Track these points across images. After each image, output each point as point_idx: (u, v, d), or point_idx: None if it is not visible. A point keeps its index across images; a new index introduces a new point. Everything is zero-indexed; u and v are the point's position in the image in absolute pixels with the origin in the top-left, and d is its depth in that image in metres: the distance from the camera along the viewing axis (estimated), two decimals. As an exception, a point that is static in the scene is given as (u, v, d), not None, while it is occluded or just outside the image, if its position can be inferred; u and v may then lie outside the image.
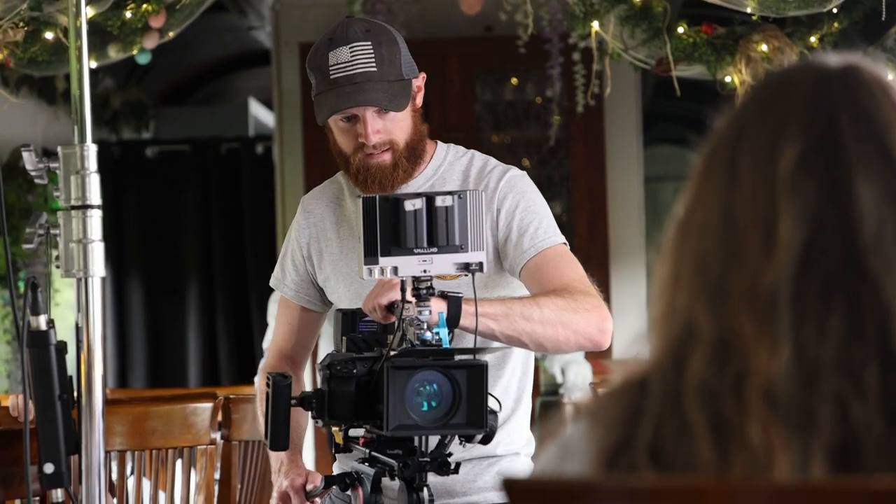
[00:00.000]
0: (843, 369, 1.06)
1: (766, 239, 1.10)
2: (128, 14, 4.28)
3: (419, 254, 2.39)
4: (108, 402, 2.21)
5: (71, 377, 2.16)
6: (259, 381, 3.00)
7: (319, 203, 2.99)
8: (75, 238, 2.13)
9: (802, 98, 1.15)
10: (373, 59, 2.77)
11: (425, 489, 2.44)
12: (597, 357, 6.31)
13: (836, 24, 4.54)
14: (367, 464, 2.53)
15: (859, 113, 1.13)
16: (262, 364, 3.09)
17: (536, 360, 5.29)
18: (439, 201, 2.40)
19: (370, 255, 2.39)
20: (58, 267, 2.17)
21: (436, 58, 6.89)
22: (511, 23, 6.10)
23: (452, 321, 2.47)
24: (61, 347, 2.16)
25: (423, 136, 2.90)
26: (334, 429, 2.57)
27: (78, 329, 2.15)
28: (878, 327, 1.07)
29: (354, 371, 2.45)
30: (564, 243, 2.86)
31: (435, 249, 2.40)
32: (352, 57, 2.77)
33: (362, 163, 2.82)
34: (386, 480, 2.49)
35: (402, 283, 2.41)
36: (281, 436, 2.50)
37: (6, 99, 4.44)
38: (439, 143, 2.96)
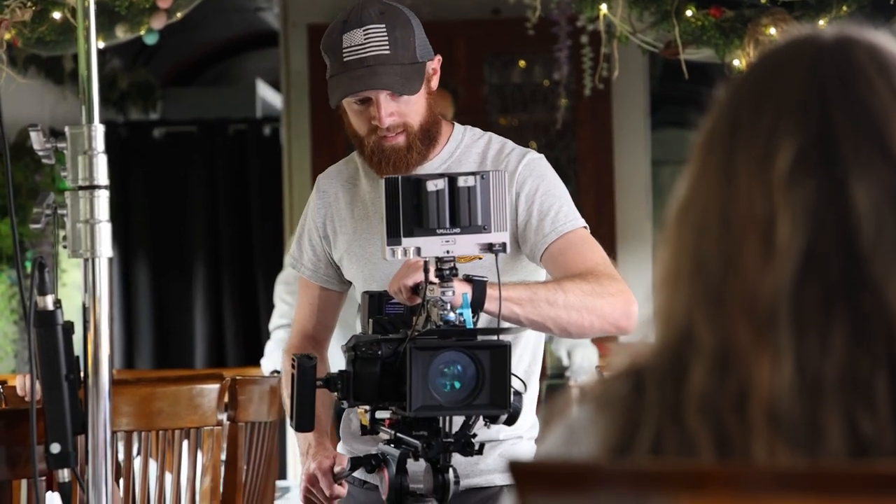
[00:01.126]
0: (848, 382, 1.02)
1: (764, 244, 1.05)
2: (136, -6, 4.28)
3: (442, 234, 2.40)
4: (114, 383, 2.21)
5: (77, 357, 2.16)
6: (284, 361, 3.00)
7: (334, 183, 3.00)
8: (82, 218, 2.13)
9: (796, 88, 1.09)
10: (386, 42, 2.77)
11: (450, 470, 2.44)
12: (603, 340, 6.32)
13: (844, 8, 4.53)
14: (392, 445, 2.53)
15: (853, 103, 1.08)
16: (286, 344, 3.10)
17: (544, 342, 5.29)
18: (461, 181, 2.40)
19: (393, 236, 2.40)
20: (65, 247, 2.17)
21: (443, 40, 6.85)
22: (519, 5, 6.09)
23: (477, 305, 2.47)
24: (68, 328, 2.16)
25: (438, 119, 2.90)
26: (360, 410, 2.58)
27: (85, 309, 2.15)
28: (884, 335, 1.03)
29: (379, 353, 2.46)
30: (585, 227, 2.86)
31: (458, 230, 2.40)
32: (365, 40, 2.77)
33: (376, 145, 2.82)
34: (411, 462, 2.49)
35: (426, 263, 2.41)
36: (306, 417, 2.51)
37: (14, 79, 4.44)
38: (456, 124, 2.97)
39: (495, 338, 2.40)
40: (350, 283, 3.01)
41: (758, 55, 1.18)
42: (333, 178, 3.01)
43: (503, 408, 2.37)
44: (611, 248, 6.89)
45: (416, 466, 2.49)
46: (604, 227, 6.89)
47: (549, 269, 2.80)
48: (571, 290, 2.66)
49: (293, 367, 2.49)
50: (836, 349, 1.02)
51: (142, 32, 4.60)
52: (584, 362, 4.99)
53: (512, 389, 2.38)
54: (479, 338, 2.39)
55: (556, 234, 2.79)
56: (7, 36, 4.23)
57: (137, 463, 3.30)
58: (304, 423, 2.51)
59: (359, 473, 2.81)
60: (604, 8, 4.52)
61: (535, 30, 6.09)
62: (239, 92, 9.34)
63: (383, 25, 2.78)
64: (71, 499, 2.18)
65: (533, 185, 2.86)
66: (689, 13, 4.54)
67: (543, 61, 6.97)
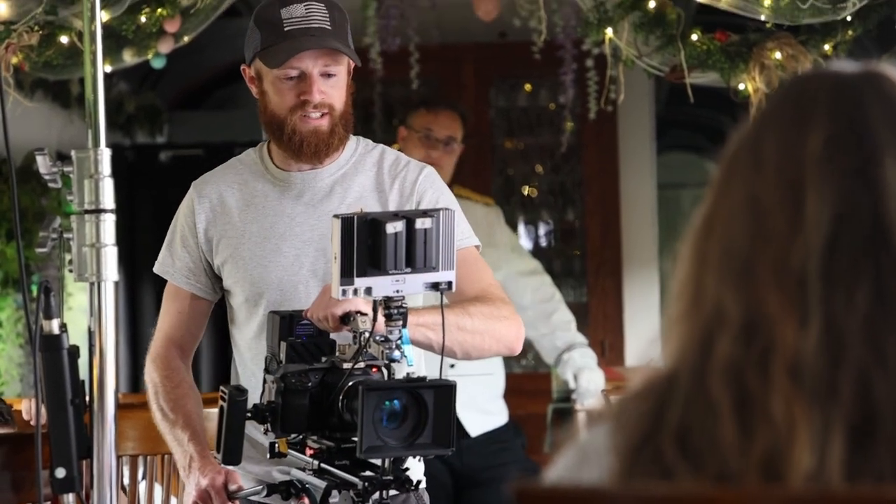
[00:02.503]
0: (868, 340, 1.07)
1: (793, 217, 1.12)
2: (143, 18, 4.29)
3: (394, 274, 2.40)
4: (120, 407, 2.21)
5: (83, 381, 2.16)
6: (150, 370, 2.96)
7: (216, 187, 3.00)
8: (88, 242, 2.13)
9: (828, 91, 1.17)
10: (327, 19, 2.84)
11: (370, 501, 2.45)
12: (609, 364, 6.31)
13: (850, 32, 4.53)
14: (310, 473, 2.53)
15: (885, 104, 1.15)
16: (151, 353, 3.04)
17: (548, 366, 5.27)
18: (419, 224, 2.41)
19: (346, 276, 2.39)
20: (71, 271, 2.17)
21: (450, 63, 6.89)
22: (525, 29, 6.10)
23: (403, 320, 2.49)
24: (74, 352, 2.16)
25: (352, 112, 2.94)
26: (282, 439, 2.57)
27: (90, 333, 2.15)
28: None
29: (309, 384, 2.46)
30: (478, 246, 2.94)
31: (409, 270, 2.41)
32: (307, 12, 2.83)
33: (298, 126, 2.85)
34: (335, 493, 2.49)
35: (375, 302, 2.42)
36: (236, 450, 2.50)
37: (21, 102, 4.45)
38: (350, 135, 3.00)
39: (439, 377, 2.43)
40: (221, 293, 3.01)
41: (782, 82, 1.26)
42: (214, 183, 3.02)
43: (446, 446, 2.38)
44: (616, 272, 6.90)
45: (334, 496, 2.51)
46: (610, 251, 6.89)
47: None
48: (476, 315, 2.75)
49: (223, 399, 2.49)
50: (860, 307, 1.08)
51: (149, 56, 4.61)
52: (590, 385, 4.98)
53: (455, 429, 2.40)
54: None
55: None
56: (14, 60, 4.24)
57: (143, 487, 3.29)
58: (233, 455, 2.50)
59: (271, 500, 2.78)
60: (609, 32, 4.52)
61: (541, 53, 6.11)
62: (245, 115, 9.33)
63: (322, 4, 2.84)
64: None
65: (433, 196, 2.92)
66: (694, 37, 4.54)
67: (549, 85, 6.98)
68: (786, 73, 4.50)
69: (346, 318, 2.49)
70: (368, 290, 2.39)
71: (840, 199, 1.11)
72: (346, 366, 2.46)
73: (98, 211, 2.14)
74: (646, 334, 6.95)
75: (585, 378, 4.97)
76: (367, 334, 2.42)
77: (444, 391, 2.36)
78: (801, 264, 1.10)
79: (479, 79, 6.95)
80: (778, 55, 4.52)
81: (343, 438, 2.47)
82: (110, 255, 2.14)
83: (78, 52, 4.25)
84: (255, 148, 3.06)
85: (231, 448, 2.48)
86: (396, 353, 2.41)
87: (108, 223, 2.15)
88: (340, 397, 2.44)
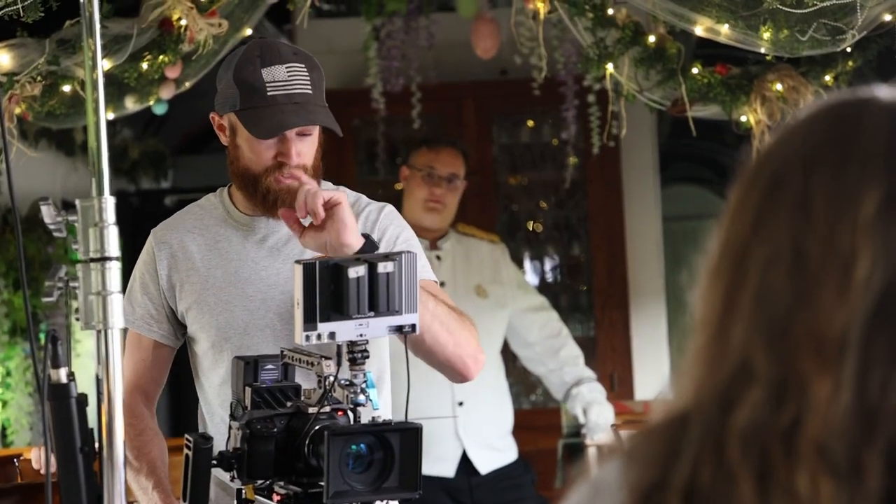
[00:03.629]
0: None
1: (840, 282, 1.06)
2: (144, 66, 4.30)
3: (357, 318, 2.39)
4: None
5: (92, 430, 2.16)
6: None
7: (175, 233, 3.01)
8: (94, 290, 2.13)
9: (879, 136, 1.11)
10: (308, 82, 2.85)
11: None
12: (619, 397, 6.29)
13: (850, 63, 4.54)
14: None
15: None
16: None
17: (558, 402, 5.25)
18: (381, 268, 2.40)
19: (309, 322, 2.38)
20: (78, 319, 2.17)
21: (451, 102, 6.90)
22: (526, 66, 6.12)
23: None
24: (82, 400, 2.16)
25: (321, 166, 2.97)
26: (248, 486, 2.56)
27: (98, 381, 2.15)
28: None
29: (274, 430, 2.45)
30: (436, 282, 2.97)
31: (372, 314, 2.40)
32: (289, 76, 2.83)
33: (273, 186, 2.86)
34: None
35: (339, 347, 2.42)
36: (202, 498, 2.49)
37: (25, 152, 4.46)
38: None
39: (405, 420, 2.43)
40: (182, 340, 3.01)
41: (820, 107, 1.17)
42: (175, 229, 3.03)
43: (413, 490, 2.38)
44: (623, 306, 6.90)
45: None
46: (616, 284, 6.89)
47: None
48: (440, 305, 2.77)
49: (188, 447, 2.48)
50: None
51: (151, 103, 4.63)
52: (599, 420, 4.97)
53: (421, 472, 2.39)
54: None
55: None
56: (17, 111, 4.25)
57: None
58: (199, 503, 2.49)
59: None
60: (610, 67, 4.53)
61: (542, 90, 6.12)
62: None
63: (302, 65, 2.85)
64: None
65: (394, 232, 2.95)
66: (695, 71, 4.55)
67: (551, 121, 7.00)
68: (787, 104, 4.50)
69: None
70: (332, 335, 2.39)
71: (890, 271, 1.06)
72: (312, 410, 2.45)
73: (103, 259, 2.14)
74: (655, 366, 6.94)
75: (595, 412, 4.96)
76: (332, 378, 2.42)
77: (410, 434, 2.36)
78: (843, 333, 1.05)
79: (480, 116, 6.96)
80: (779, 87, 4.53)
81: (310, 483, 2.45)
82: (116, 303, 2.14)
83: (80, 101, 4.26)
84: (214, 193, 3.06)
85: (197, 496, 2.47)
86: (361, 397, 2.41)
87: (114, 271, 2.15)
88: (306, 442, 2.43)
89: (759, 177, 1.14)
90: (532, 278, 6.99)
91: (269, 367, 2.57)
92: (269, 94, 2.81)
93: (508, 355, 5.17)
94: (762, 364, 1.07)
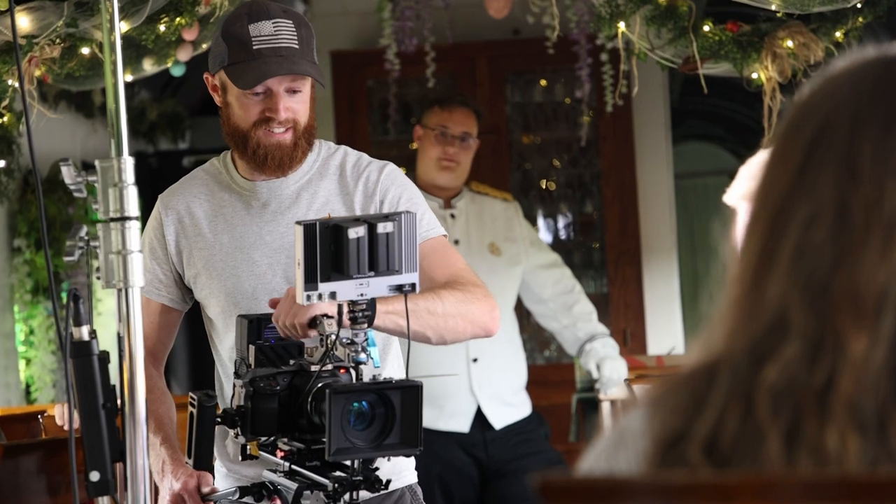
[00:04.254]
0: None
1: (884, 241, 1.05)
2: (161, 28, 4.30)
3: (357, 278, 2.39)
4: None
5: (114, 386, 2.17)
6: None
7: (183, 198, 3.00)
8: (115, 250, 2.14)
9: None
10: (295, 37, 2.84)
11: (342, 500, 2.45)
12: (632, 352, 6.30)
13: (860, 19, 4.52)
14: (281, 475, 2.53)
15: None
16: None
17: (571, 357, 5.26)
18: (380, 228, 2.40)
19: (310, 282, 2.38)
20: (99, 278, 2.18)
21: (465, 61, 6.88)
22: (538, 25, 6.10)
23: (368, 322, 2.49)
24: (104, 357, 2.17)
25: (314, 126, 2.94)
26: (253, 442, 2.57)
27: (119, 339, 2.16)
28: None
29: (277, 388, 2.46)
30: (445, 235, 2.93)
31: (372, 273, 2.40)
32: (276, 30, 2.82)
33: (262, 140, 2.85)
34: (307, 494, 2.50)
35: (340, 306, 2.42)
36: (206, 456, 2.50)
37: (45, 114, 4.47)
38: (312, 145, 3.00)
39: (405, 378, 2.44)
40: (191, 303, 3.02)
41: (863, 61, 1.14)
42: (182, 194, 3.01)
43: (414, 447, 2.38)
44: (636, 261, 6.89)
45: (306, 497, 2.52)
46: (629, 240, 6.89)
47: None
48: (447, 299, 2.74)
49: (192, 405, 2.49)
50: None
51: (168, 64, 4.63)
52: (612, 374, 4.98)
53: (422, 429, 2.39)
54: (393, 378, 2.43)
55: (421, 239, 2.82)
56: (37, 73, 4.26)
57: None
58: (203, 461, 2.50)
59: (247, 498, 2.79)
60: (622, 26, 4.52)
61: (555, 49, 6.10)
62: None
63: (290, 21, 2.84)
64: (111, 525, 2.19)
65: (396, 192, 2.91)
66: (706, 28, 4.53)
67: (564, 79, 6.97)
68: (798, 61, 4.49)
69: (314, 323, 2.49)
70: (333, 295, 2.39)
71: None
72: (314, 368, 2.45)
73: (123, 219, 2.14)
74: (667, 322, 6.95)
75: (608, 367, 4.97)
76: (333, 337, 2.42)
77: (411, 392, 2.36)
78: (883, 289, 1.04)
79: (493, 76, 6.94)
80: (790, 44, 4.50)
81: (313, 440, 2.46)
82: (136, 262, 2.15)
83: (99, 63, 4.26)
84: (217, 158, 3.05)
85: (201, 453, 2.48)
86: (362, 356, 2.41)
87: (133, 230, 2.15)
88: (309, 400, 2.43)
89: (801, 130, 1.12)
90: (545, 236, 6.99)
91: (273, 325, 2.57)
92: (254, 48, 2.81)
93: (522, 311, 5.18)
94: (799, 319, 1.06)
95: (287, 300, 2.53)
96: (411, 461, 3.00)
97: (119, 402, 2.16)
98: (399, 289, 2.43)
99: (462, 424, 4.74)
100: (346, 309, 2.41)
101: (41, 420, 3.95)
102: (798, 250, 1.08)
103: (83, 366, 2.15)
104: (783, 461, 1.02)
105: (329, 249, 2.38)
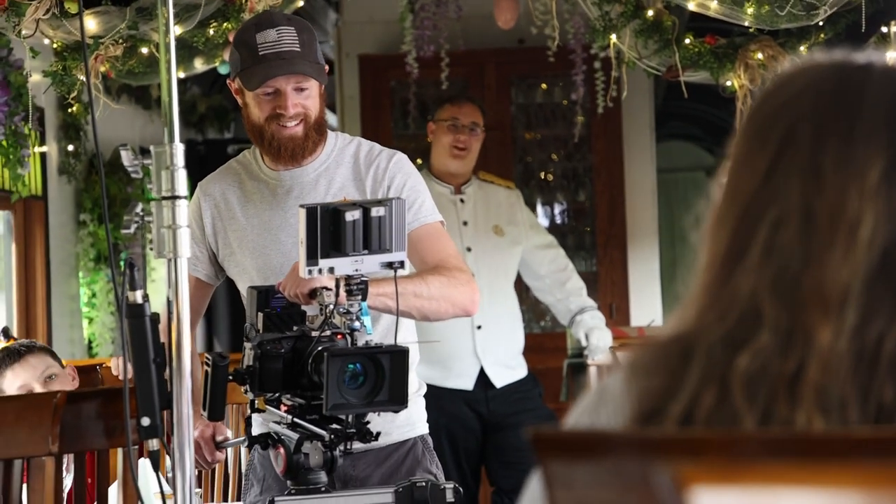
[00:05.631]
0: (890, 367, 1.01)
1: (847, 241, 1.03)
2: (211, 31, 4.29)
3: (353, 255, 2.39)
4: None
5: (163, 344, 2.17)
6: None
7: (219, 185, 2.99)
8: (166, 224, 2.14)
9: (881, 107, 1.07)
10: (297, 41, 2.82)
11: (337, 449, 2.45)
12: (616, 324, 6.29)
13: (822, 35, 4.50)
14: (284, 426, 2.53)
15: None
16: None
17: (564, 327, 5.24)
18: (374, 212, 2.40)
19: (311, 258, 2.39)
20: (151, 249, 2.17)
21: (475, 66, 6.87)
22: (541, 36, 6.07)
23: (362, 295, 2.48)
24: (155, 318, 2.17)
25: (325, 117, 2.92)
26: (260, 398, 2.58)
27: (169, 302, 2.16)
28: None
29: (282, 350, 2.47)
30: (442, 222, 2.91)
31: (366, 251, 2.40)
32: (279, 37, 2.81)
33: (276, 133, 2.84)
34: (307, 443, 2.50)
35: (337, 280, 2.42)
36: (219, 408, 2.51)
37: (108, 105, 4.46)
38: (329, 132, 2.98)
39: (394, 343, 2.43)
40: (221, 280, 3.02)
41: (822, 68, 1.12)
42: (217, 182, 3.01)
43: (401, 403, 2.38)
44: (622, 245, 6.88)
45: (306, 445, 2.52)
46: (616, 227, 6.87)
47: (409, 253, 2.85)
48: (433, 283, 2.74)
49: (207, 364, 2.49)
50: (891, 338, 1.02)
51: (216, 64, 4.62)
52: (599, 342, 4.97)
53: (408, 389, 2.39)
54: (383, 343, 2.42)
55: (418, 223, 2.84)
56: (102, 69, 4.25)
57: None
58: (217, 413, 2.51)
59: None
60: (613, 37, 4.50)
61: (555, 57, 6.08)
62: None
63: (292, 28, 2.82)
64: (160, 464, 2.19)
65: (401, 180, 2.90)
66: (687, 41, 4.52)
67: (562, 84, 6.96)
68: (767, 71, 4.47)
69: (314, 294, 2.49)
70: (331, 270, 2.40)
71: (891, 232, 1.03)
72: (315, 334, 2.46)
73: (174, 197, 2.14)
74: (648, 298, 6.94)
75: (596, 336, 4.96)
76: (331, 307, 2.43)
77: (399, 356, 2.36)
78: (846, 286, 1.02)
79: (500, 79, 6.93)
80: (760, 56, 4.49)
81: (313, 397, 2.46)
82: (184, 235, 2.15)
83: (156, 61, 4.25)
84: (249, 150, 3.04)
85: (215, 406, 2.49)
86: (357, 324, 2.42)
87: (182, 208, 2.15)
88: (310, 361, 2.44)
89: (766, 137, 1.10)
90: (543, 220, 6.97)
91: (279, 295, 2.58)
92: (260, 53, 2.81)
93: (522, 286, 5.17)
94: (770, 312, 1.04)
95: (293, 273, 2.54)
96: (423, 414, 2.99)
97: (167, 357, 2.16)
98: (389, 265, 2.43)
99: (467, 383, 4.74)
100: (342, 283, 2.41)
101: (99, 371, 3.95)
102: (767, 249, 1.06)
103: (137, 325, 2.15)
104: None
105: (328, 230, 2.39)
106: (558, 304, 5.04)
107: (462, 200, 4.86)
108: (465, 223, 4.82)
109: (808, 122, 1.08)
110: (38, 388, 3.45)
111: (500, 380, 4.79)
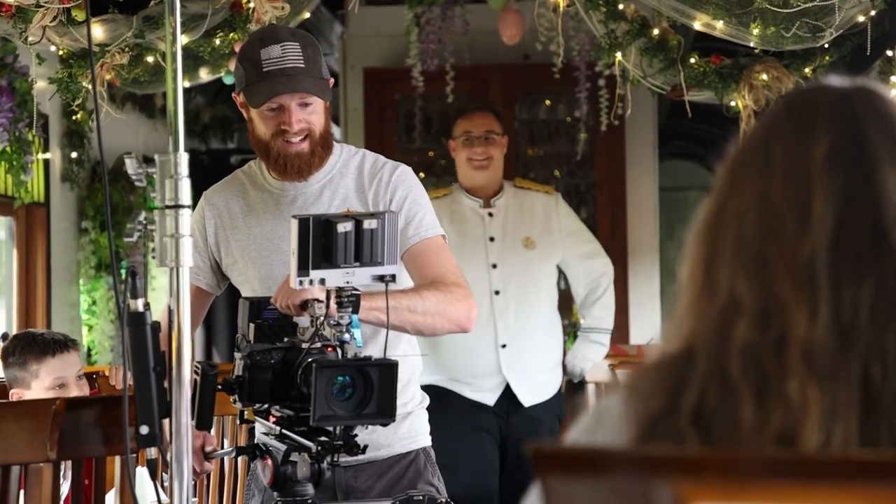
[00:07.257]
0: (872, 328, 1.05)
1: (801, 217, 1.08)
2: (217, 41, 4.29)
3: (344, 267, 2.38)
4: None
5: (163, 352, 2.17)
6: None
7: (223, 195, 2.99)
8: (168, 233, 2.14)
9: (827, 104, 1.14)
10: (301, 57, 2.80)
11: (324, 461, 2.44)
12: (615, 342, 6.28)
13: (827, 58, 4.51)
14: (272, 438, 2.52)
15: (879, 115, 1.12)
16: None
17: (564, 341, 5.20)
18: (366, 224, 2.39)
19: (303, 269, 2.38)
20: (154, 257, 2.18)
21: (480, 81, 6.88)
22: (546, 52, 6.09)
23: (353, 307, 2.48)
24: (156, 327, 2.17)
25: (332, 131, 2.91)
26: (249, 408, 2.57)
27: (170, 311, 2.16)
28: None
29: (272, 361, 2.46)
30: (443, 236, 2.89)
31: (358, 264, 2.39)
32: (283, 53, 2.79)
33: (282, 149, 2.83)
34: (294, 455, 2.49)
35: (328, 292, 2.41)
36: (206, 418, 2.50)
37: (112, 113, 4.47)
38: (335, 144, 2.98)
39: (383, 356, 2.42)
40: (221, 290, 3.01)
41: (784, 96, 1.22)
42: (222, 192, 3.01)
43: (388, 416, 2.37)
44: (623, 261, 6.87)
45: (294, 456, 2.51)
46: (617, 243, 6.87)
47: (408, 267, 2.83)
48: (428, 298, 2.71)
49: (196, 373, 2.48)
50: (864, 299, 1.06)
51: (222, 74, 4.63)
52: (574, 369, 4.94)
53: (396, 401, 2.38)
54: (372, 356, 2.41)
55: (419, 238, 2.82)
56: (107, 77, 4.26)
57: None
58: (204, 422, 2.50)
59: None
60: (618, 56, 4.51)
61: (560, 74, 6.09)
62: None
63: (297, 43, 2.80)
64: (157, 473, 2.19)
65: (403, 193, 2.89)
66: (692, 60, 4.53)
67: (566, 101, 6.96)
68: (772, 92, 4.48)
69: (305, 305, 2.48)
70: (322, 281, 2.38)
71: (843, 203, 1.08)
72: (305, 345, 2.45)
73: (177, 206, 2.14)
74: (648, 316, 6.93)
75: (569, 357, 4.92)
76: (322, 319, 2.42)
77: (388, 369, 2.35)
78: (810, 259, 1.07)
79: (505, 95, 6.93)
80: (765, 77, 4.50)
81: (301, 408, 2.45)
82: (187, 244, 2.15)
83: (161, 70, 4.26)
84: (254, 161, 3.03)
85: (203, 415, 2.48)
86: (346, 336, 2.41)
87: (185, 217, 2.15)
88: (299, 373, 2.43)
89: (735, 154, 1.16)
90: (545, 236, 6.95)
91: (271, 307, 2.57)
92: (264, 69, 2.79)
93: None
94: (746, 293, 1.08)
95: (284, 284, 2.53)
96: (426, 426, 2.99)
97: (167, 366, 2.16)
98: (381, 278, 2.42)
99: (489, 398, 4.64)
100: (333, 295, 2.40)
101: (96, 380, 3.95)
102: (736, 239, 1.11)
103: (137, 333, 2.15)
104: (757, 419, 1.04)
105: (320, 241, 2.37)
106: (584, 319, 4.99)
107: (491, 214, 4.76)
108: (491, 239, 4.72)
109: (764, 128, 1.15)
110: (73, 387, 3.40)
111: (528, 398, 4.67)
